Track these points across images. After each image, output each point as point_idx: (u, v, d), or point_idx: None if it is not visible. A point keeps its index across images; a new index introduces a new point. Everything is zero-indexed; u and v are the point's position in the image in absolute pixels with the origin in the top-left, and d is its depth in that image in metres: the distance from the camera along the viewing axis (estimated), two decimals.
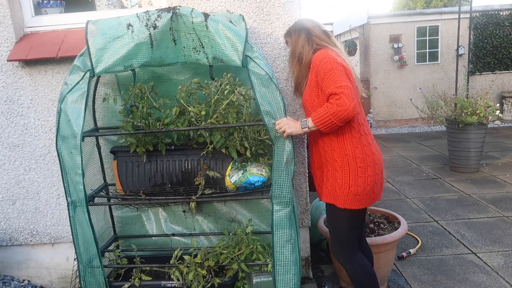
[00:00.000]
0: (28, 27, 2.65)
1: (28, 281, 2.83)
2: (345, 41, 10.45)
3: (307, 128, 1.88)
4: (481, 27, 9.05)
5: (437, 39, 9.19)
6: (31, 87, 2.59)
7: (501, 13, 9.06)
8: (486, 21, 9.04)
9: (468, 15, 7.23)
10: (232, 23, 2.06)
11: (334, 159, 1.93)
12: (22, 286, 2.77)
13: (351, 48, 9.86)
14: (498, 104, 5.10)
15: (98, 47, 1.99)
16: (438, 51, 9.22)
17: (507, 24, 9.07)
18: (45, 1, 2.82)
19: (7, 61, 2.50)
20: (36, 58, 2.47)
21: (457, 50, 6.90)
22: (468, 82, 6.82)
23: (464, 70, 8.15)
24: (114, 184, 2.46)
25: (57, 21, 2.67)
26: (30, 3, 2.66)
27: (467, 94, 5.58)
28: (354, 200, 1.90)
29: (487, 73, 9.15)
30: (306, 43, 1.99)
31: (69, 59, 2.52)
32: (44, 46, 2.51)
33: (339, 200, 1.92)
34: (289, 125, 1.93)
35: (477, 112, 4.83)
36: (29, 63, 2.55)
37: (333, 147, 1.93)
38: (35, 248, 2.81)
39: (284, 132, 1.94)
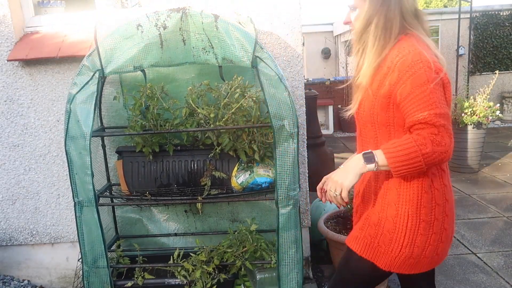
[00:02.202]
0: (29, 27, 2.65)
1: (28, 281, 2.83)
2: (345, 41, 10.45)
3: (374, 166, 1.23)
4: (481, 27, 9.05)
5: (437, 39, 9.19)
6: (31, 87, 2.59)
7: (501, 13, 9.07)
8: (486, 21, 9.05)
9: (468, 15, 7.23)
10: (241, 24, 2.07)
11: (387, 203, 1.34)
12: (22, 286, 2.77)
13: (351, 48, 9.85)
14: (498, 104, 5.09)
15: (107, 48, 1.99)
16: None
17: (507, 24, 9.07)
18: (45, 1, 2.82)
19: (7, 60, 2.50)
20: (36, 58, 2.47)
21: (457, 50, 6.90)
22: (468, 82, 6.81)
23: (464, 70, 8.15)
24: (118, 184, 2.46)
25: (58, 21, 2.67)
26: (30, 3, 2.66)
27: (467, 94, 5.58)
28: (405, 264, 1.34)
29: (487, 73, 9.15)
30: (398, 15, 1.29)
31: (69, 59, 2.52)
32: (44, 45, 2.51)
33: (382, 260, 1.35)
34: (340, 176, 1.29)
35: (477, 112, 4.83)
36: (29, 63, 2.55)
37: (389, 185, 1.34)
38: (35, 248, 2.81)
39: (341, 191, 1.28)
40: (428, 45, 1.29)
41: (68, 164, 2.09)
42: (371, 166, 1.23)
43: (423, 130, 1.18)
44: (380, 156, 1.22)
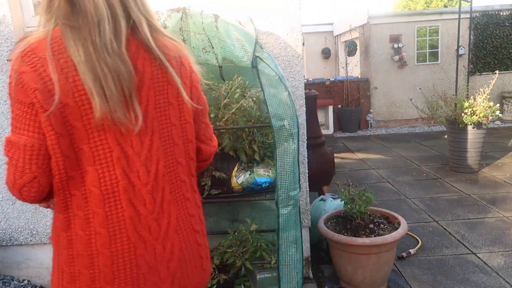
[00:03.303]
0: (29, 27, 2.65)
1: (28, 281, 2.83)
2: (345, 41, 10.46)
3: None
4: (481, 27, 9.05)
5: (437, 39, 9.19)
6: None
7: (501, 13, 9.07)
8: (486, 21, 9.05)
9: (468, 15, 7.23)
10: (241, 24, 2.07)
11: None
12: (22, 286, 2.77)
13: (351, 48, 9.87)
14: (498, 104, 5.09)
15: None
16: (438, 51, 9.22)
17: (507, 24, 9.07)
18: None
19: (7, 60, 2.50)
20: None
21: (457, 50, 6.89)
22: (468, 82, 6.80)
23: (464, 70, 8.14)
24: None
25: None
26: (30, 3, 2.66)
27: (467, 94, 5.58)
28: None
29: (487, 73, 9.14)
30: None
31: None
32: None
33: None
34: None
35: (477, 112, 4.83)
36: None
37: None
38: (35, 248, 2.81)
39: None
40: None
41: None
42: None
43: None
44: None
